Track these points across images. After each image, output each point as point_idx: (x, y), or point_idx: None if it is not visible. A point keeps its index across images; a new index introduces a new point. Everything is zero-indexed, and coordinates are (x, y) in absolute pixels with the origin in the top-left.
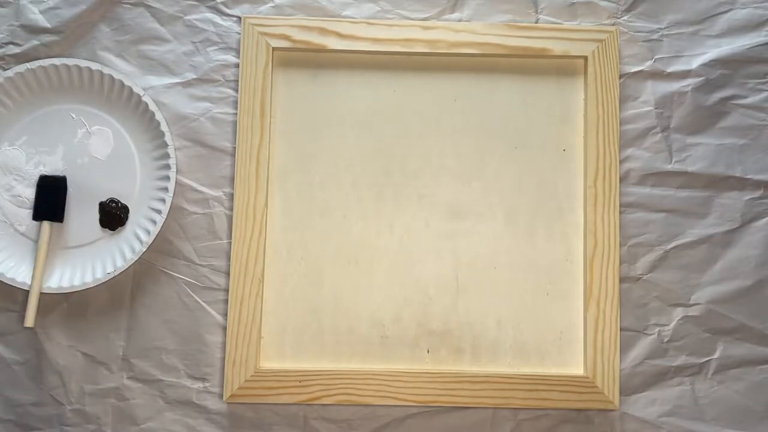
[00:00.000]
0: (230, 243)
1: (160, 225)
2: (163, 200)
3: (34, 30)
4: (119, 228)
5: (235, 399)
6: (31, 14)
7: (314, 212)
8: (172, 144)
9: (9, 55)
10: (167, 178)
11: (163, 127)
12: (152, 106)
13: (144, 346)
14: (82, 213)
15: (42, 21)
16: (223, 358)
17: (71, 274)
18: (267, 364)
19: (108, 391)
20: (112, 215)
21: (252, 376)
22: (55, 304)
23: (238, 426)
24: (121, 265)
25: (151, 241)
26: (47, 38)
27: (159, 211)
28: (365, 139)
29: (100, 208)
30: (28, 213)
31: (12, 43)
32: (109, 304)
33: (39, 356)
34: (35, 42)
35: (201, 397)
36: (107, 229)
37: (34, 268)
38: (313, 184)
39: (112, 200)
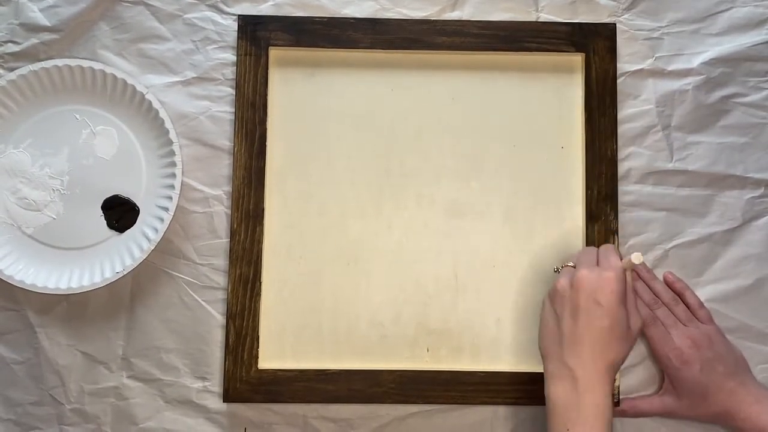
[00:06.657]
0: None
1: (168, 222)
2: (170, 198)
3: (34, 28)
4: (128, 228)
5: (235, 398)
6: (31, 12)
7: (312, 211)
8: (177, 141)
9: (8, 54)
10: (173, 175)
11: (167, 124)
12: (155, 104)
13: (143, 346)
14: (88, 214)
15: (41, 19)
16: (223, 358)
17: (80, 275)
18: (266, 363)
19: (107, 390)
20: (122, 206)
21: (251, 375)
22: (54, 303)
23: (237, 425)
24: (130, 263)
25: (159, 239)
26: (47, 37)
27: (166, 209)
28: (363, 138)
29: (104, 205)
30: (34, 215)
31: (11, 42)
32: (109, 303)
33: (38, 356)
34: (35, 40)
35: (201, 396)
36: (115, 231)
37: None
38: (311, 183)
39: (115, 197)
